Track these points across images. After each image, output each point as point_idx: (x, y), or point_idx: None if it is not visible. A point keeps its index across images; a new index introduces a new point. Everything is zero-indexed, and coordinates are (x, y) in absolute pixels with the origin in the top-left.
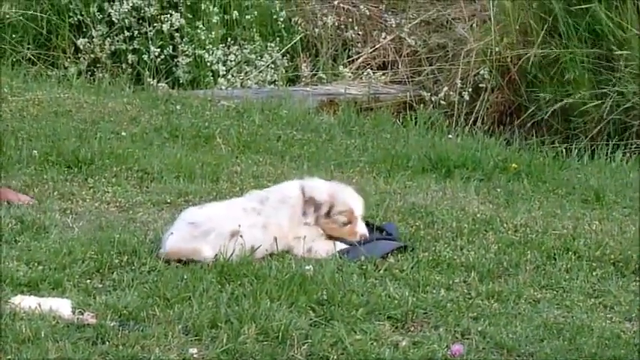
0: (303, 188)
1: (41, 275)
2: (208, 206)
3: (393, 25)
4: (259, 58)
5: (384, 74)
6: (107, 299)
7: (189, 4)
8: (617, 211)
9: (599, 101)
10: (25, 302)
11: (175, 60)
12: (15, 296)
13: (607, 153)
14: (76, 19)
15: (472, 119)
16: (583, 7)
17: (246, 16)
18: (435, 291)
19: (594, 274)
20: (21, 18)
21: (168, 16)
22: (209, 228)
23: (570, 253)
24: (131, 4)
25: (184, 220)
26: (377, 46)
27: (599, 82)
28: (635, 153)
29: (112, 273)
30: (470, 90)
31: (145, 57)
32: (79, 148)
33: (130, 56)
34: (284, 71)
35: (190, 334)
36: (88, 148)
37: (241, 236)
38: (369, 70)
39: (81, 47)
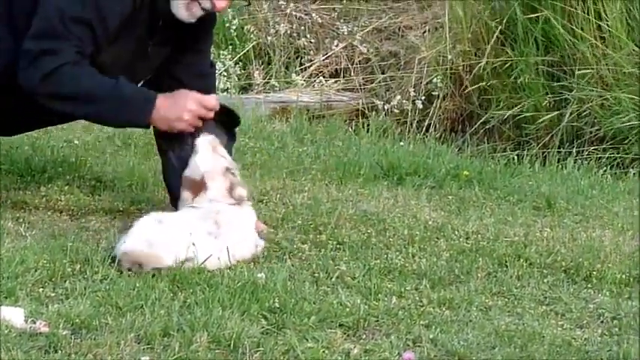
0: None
1: None
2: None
3: (345, 33)
4: None
5: (336, 82)
6: (60, 308)
7: None
8: (568, 218)
9: (556, 110)
10: None
11: None
12: None
13: (558, 160)
14: None
15: (424, 127)
16: (537, 15)
17: None
18: (386, 298)
19: (545, 281)
20: None
21: None
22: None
23: (522, 260)
24: None
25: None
26: (329, 54)
27: (552, 89)
28: (588, 160)
29: (65, 281)
30: (423, 98)
31: None
32: (32, 156)
33: None
34: (237, 79)
35: (142, 342)
36: (41, 156)
37: None
38: (321, 77)
39: None
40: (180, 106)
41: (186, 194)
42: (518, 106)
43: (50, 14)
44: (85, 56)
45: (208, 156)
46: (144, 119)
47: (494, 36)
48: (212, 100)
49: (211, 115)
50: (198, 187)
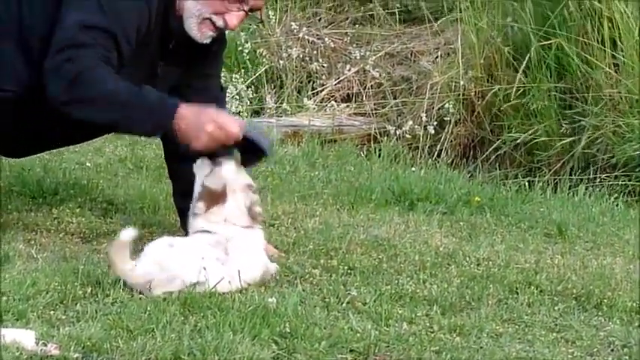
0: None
1: (5, 306)
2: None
3: (358, 58)
4: None
5: (348, 106)
6: (71, 330)
7: None
8: (579, 246)
9: (568, 137)
10: None
11: None
12: None
13: (570, 187)
14: None
15: (436, 152)
16: (550, 42)
17: None
18: (397, 324)
19: (556, 308)
20: None
21: None
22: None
23: (532, 287)
24: None
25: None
26: (341, 78)
27: (564, 115)
28: (599, 187)
29: (76, 304)
30: (435, 123)
31: None
32: (43, 178)
33: None
34: (249, 102)
35: None
36: (52, 178)
37: None
38: (333, 102)
39: None
40: (199, 125)
41: (200, 205)
42: (530, 132)
43: (69, 26)
44: (109, 63)
45: (233, 169)
46: (168, 125)
47: (520, 65)
48: (234, 128)
49: (230, 142)
50: (216, 198)
